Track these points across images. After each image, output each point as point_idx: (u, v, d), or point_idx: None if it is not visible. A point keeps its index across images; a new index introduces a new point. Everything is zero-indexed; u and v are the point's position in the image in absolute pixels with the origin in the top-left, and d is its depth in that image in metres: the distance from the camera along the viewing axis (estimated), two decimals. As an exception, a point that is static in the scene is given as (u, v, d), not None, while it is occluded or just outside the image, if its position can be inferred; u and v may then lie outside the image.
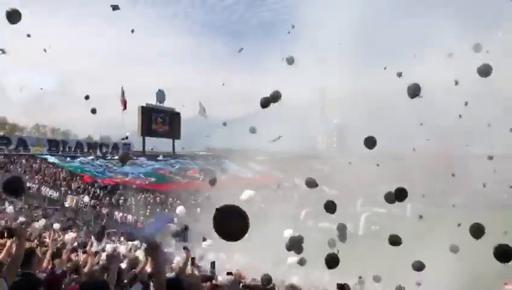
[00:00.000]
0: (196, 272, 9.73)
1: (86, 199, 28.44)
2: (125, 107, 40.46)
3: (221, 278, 11.73)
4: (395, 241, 10.67)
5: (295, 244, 10.90)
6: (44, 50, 21.39)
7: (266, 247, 13.21)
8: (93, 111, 18.41)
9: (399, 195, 10.88)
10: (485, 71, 11.10)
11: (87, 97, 18.36)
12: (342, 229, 11.58)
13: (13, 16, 9.07)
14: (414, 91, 10.76)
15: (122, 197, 31.71)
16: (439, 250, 14.19)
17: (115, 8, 10.32)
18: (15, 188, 7.58)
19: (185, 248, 7.17)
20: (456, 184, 42.29)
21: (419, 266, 11.41)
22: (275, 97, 14.94)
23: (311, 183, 11.89)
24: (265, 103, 14.64)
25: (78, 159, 38.09)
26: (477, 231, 9.75)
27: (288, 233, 16.88)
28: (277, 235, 14.61)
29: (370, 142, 11.61)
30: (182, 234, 18.34)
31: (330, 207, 10.29)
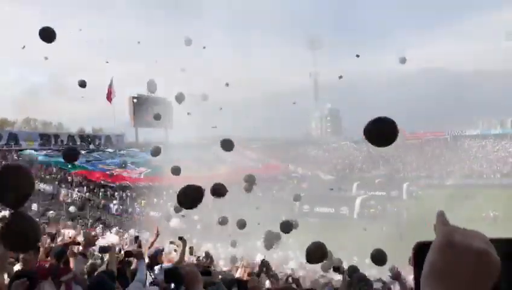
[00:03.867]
0: (194, 261, 9.72)
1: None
2: (109, 98, 40.21)
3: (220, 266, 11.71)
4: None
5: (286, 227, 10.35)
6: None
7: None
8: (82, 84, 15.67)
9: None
10: None
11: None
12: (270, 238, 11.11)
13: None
14: None
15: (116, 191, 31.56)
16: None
17: None
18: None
19: (180, 238, 7.03)
20: (450, 165, 42.52)
21: None
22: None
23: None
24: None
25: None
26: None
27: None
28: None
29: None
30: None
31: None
